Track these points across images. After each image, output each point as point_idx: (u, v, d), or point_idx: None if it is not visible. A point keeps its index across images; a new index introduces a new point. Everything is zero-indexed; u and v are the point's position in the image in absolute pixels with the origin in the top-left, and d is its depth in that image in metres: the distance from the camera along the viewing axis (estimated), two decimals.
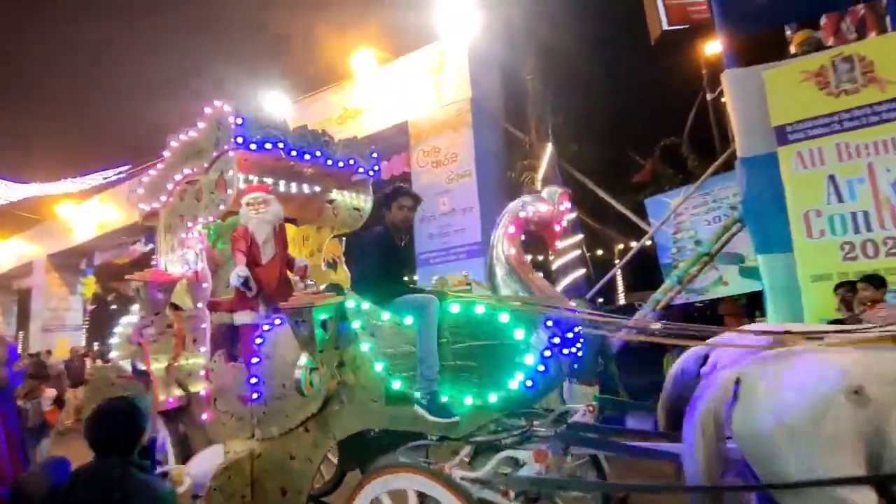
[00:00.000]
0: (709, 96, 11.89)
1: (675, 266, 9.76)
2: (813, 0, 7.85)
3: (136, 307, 4.52)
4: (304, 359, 3.44)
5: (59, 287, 20.16)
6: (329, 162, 4.69)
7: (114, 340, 4.77)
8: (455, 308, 3.25)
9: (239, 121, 4.15)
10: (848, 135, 6.30)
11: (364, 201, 5.27)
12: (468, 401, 3.15)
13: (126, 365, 4.53)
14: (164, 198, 4.88)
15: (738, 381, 2.41)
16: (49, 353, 13.98)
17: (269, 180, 4.63)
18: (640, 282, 14.06)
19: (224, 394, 4.06)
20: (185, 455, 4.25)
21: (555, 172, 10.90)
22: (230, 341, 4.32)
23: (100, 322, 21.44)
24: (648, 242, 11.25)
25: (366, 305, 3.47)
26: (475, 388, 3.15)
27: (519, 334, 3.07)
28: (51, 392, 6.85)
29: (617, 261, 14.82)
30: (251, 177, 4.49)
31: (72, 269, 20.15)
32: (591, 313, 3.59)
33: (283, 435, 3.71)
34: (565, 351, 3.23)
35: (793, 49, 7.80)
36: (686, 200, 10.24)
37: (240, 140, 4.13)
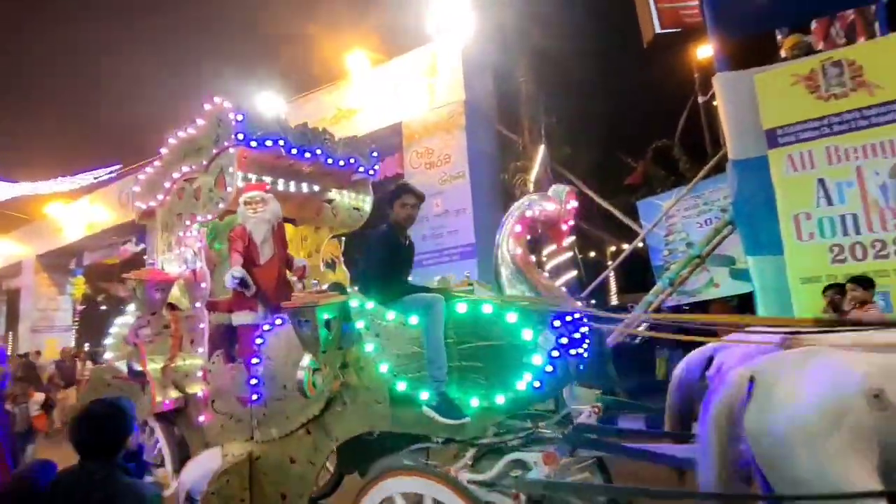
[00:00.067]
0: (700, 99, 12.02)
1: (666, 268, 9.84)
2: (803, 5, 7.95)
3: (132, 307, 4.44)
4: (306, 359, 3.40)
5: (49, 287, 19.89)
6: (329, 161, 4.65)
7: (109, 341, 4.68)
8: (461, 308, 3.20)
9: (240, 117, 4.10)
10: (837, 138, 6.40)
11: (363, 201, 5.23)
12: (475, 402, 3.09)
13: (122, 366, 4.45)
14: (161, 196, 4.80)
15: (752, 379, 2.38)
16: (38, 353, 13.83)
17: (267, 179, 4.58)
18: (632, 284, 14.15)
19: (222, 395, 4.00)
20: (181, 457, 4.18)
21: (547, 174, 10.96)
22: (228, 342, 4.27)
23: (90, 323, 21.20)
24: (640, 244, 11.33)
25: (370, 305, 3.41)
26: (482, 389, 3.09)
27: (527, 334, 3.01)
28: (39, 397, 6.74)
29: (609, 263, 14.91)
30: (250, 175, 4.44)
31: (61, 269, 19.90)
32: (600, 312, 3.57)
33: (283, 437, 3.66)
34: (572, 352, 3.21)
35: (783, 53, 7.90)
36: (678, 203, 10.33)
37: (240, 137, 4.08)
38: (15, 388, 6.48)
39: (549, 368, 3.03)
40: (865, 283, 4.97)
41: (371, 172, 5.06)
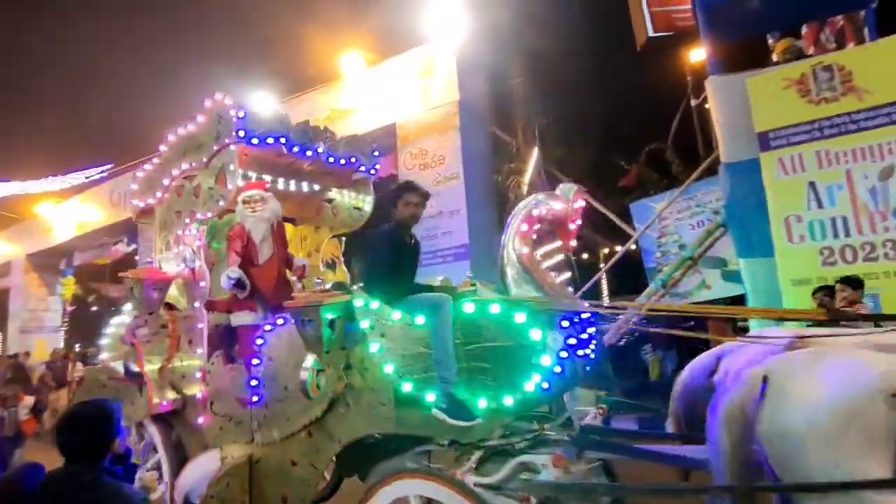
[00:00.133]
0: (693, 102, 12.08)
1: (659, 270, 9.90)
2: (794, 10, 8.05)
3: (128, 306, 4.36)
4: (310, 360, 3.32)
5: (38, 287, 19.55)
6: (331, 159, 4.60)
7: (105, 341, 4.59)
8: (469, 307, 3.16)
9: (241, 114, 4.03)
10: (827, 142, 6.47)
11: (364, 201, 5.19)
12: (483, 403, 3.04)
13: (118, 366, 4.36)
14: (159, 193, 4.70)
15: (765, 379, 2.37)
16: (28, 354, 13.58)
17: (267, 178, 4.52)
18: (625, 285, 14.20)
19: (222, 396, 3.93)
20: (179, 460, 4.11)
21: (541, 176, 10.98)
22: (228, 342, 4.21)
23: (80, 324, 20.94)
24: (633, 246, 11.37)
25: (375, 304, 3.35)
26: (490, 390, 3.06)
27: (535, 335, 2.98)
28: (29, 400, 6.60)
29: (602, 264, 14.96)
30: (249, 173, 4.38)
31: (51, 269, 19.60)
32: (608, 306, 3.55)
33: (284, 439, 3.59)
34: (580, 352, 3.19)
35: (775, 57, 7.97)
36: (670, 205, 10.38)
37: (241, 133, 4.01)
38: (5, 390, 6.35)
39: (558, 369, 3.00)
40: (854, 283, 5.03)
41: (372, 172, 5.02)
